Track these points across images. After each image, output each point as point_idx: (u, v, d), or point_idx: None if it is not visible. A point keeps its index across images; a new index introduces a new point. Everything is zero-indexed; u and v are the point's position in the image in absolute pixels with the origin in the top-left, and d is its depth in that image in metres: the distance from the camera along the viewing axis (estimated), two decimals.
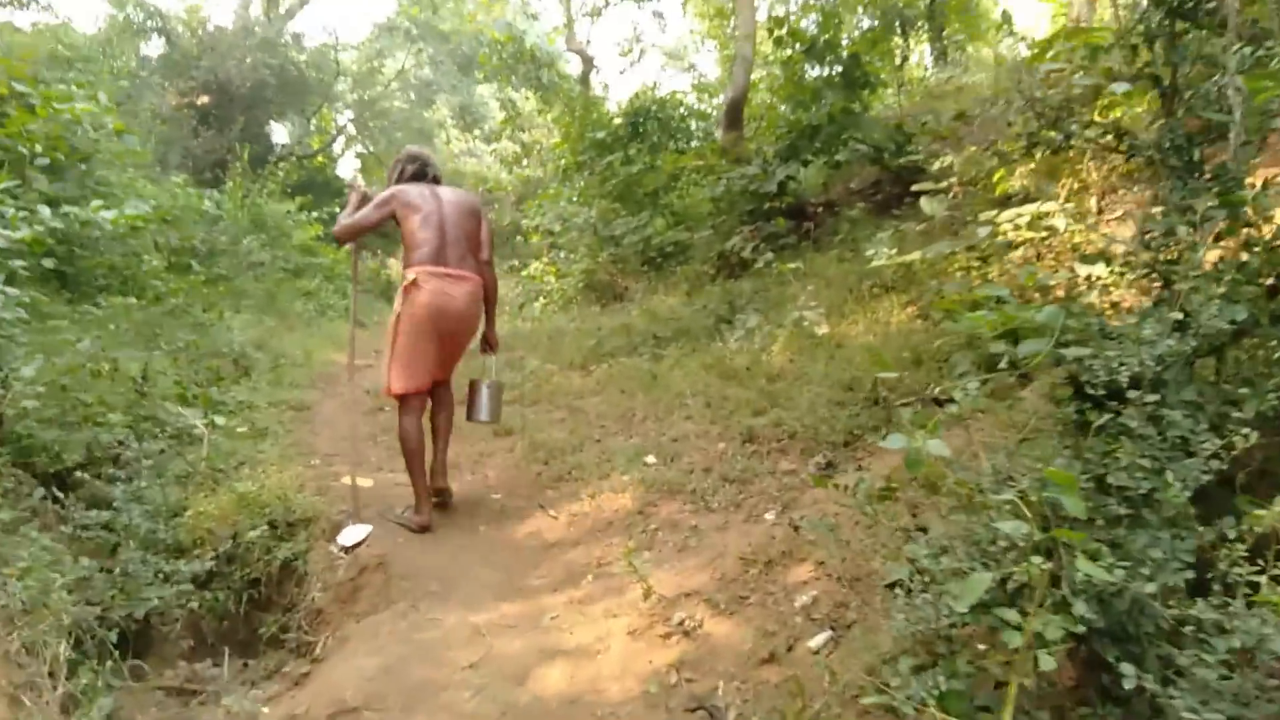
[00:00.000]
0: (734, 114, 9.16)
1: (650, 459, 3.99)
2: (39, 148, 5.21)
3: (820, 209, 8.49)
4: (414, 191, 3.70)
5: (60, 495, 3.27)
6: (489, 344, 4.03)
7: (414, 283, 3.58)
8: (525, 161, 15.32)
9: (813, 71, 8.02)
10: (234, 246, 11.57)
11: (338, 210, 12.22)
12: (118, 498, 3.39)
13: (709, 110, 10.60)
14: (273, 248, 13.17)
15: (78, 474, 3.50)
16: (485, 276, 3.77)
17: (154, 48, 17.62)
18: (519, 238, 13.37)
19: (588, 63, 15.12)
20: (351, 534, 3.51)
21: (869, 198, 8.41)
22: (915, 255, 4.65)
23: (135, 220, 7.12)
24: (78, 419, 3.75)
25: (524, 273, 11.14)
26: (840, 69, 7.48)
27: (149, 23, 16.95)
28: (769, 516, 3.30)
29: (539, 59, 13.73)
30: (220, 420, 4.12)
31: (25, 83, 5.17)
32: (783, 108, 8.61)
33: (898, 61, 9.92)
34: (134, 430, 3.92)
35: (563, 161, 10.66)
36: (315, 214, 14.22)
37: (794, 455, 3.83)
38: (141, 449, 3.73)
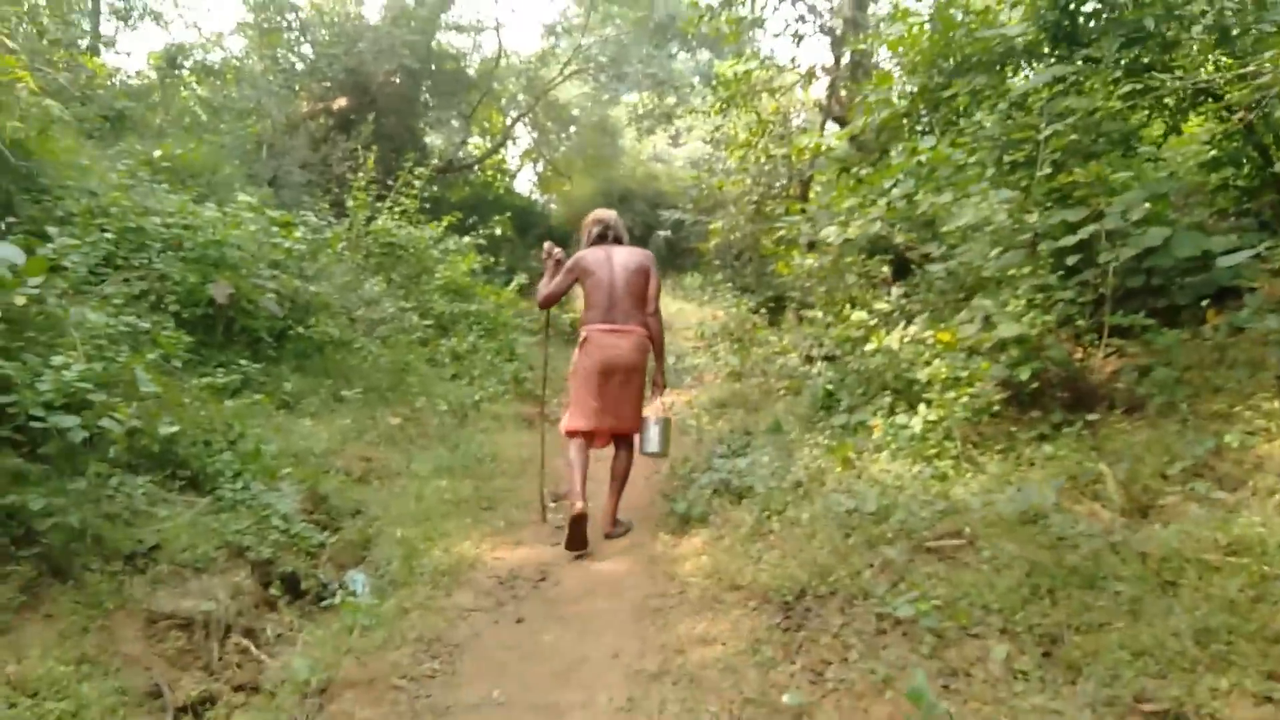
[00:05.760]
0: None
1: None
2: None
3: None
4: (591, 257, 4.28)
5: None
6: (657, 385, 4.45)
7: (586, 340, 4.21)
8: (749, 148, 10.59)
9: None
10: (348, 295, 7.73)
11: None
12: None
13: None
14: (412, 291, 9.36)
15: None
16: (650, 327, 4.28)
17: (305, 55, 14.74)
18: (763, 259, 8.67)
19: None
20: None
21: None
22: None
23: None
24: None
25: (807, 324, 6.33)
26: None
27: (283, 19, 14.00)
28: None
29: None
30: None
31: None
32: None
33: None
34: None
35: (885, 106, 5.91)
36: (472, 238, 10.40)
37: None
38: None
